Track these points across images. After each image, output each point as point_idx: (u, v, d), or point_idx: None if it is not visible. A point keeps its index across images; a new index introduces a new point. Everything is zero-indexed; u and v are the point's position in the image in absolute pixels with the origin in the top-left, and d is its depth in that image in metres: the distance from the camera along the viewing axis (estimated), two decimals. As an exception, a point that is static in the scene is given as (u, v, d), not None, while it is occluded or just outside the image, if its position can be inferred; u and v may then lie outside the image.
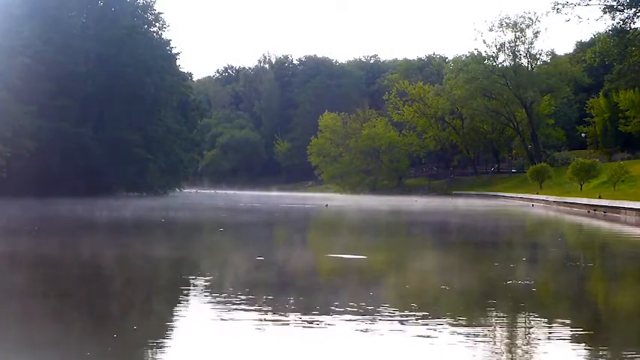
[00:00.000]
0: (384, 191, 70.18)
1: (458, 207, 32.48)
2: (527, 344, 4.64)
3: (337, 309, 5.57)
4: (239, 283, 7.15)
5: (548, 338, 4.75)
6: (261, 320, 5.21)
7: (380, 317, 5.27)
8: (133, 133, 45.77)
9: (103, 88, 45.59)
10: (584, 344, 4.63)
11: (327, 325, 5.02)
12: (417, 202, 40.18)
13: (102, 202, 31.10)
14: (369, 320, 5.17)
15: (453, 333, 4.79)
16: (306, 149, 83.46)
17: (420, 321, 5.14)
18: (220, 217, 22.37)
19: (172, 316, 5.62)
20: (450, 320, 5.24)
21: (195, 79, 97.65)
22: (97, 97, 45.37)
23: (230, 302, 5.89)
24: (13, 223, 17.77)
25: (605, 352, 4.44)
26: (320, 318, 5.25)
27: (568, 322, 5.37)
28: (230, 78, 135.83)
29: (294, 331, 4.88)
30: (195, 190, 72.47)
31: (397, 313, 5.45)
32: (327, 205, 32.19)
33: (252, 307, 5.70)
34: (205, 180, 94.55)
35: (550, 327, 5.09)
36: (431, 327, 4.94)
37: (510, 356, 4.31)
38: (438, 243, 13.42)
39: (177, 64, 56.68)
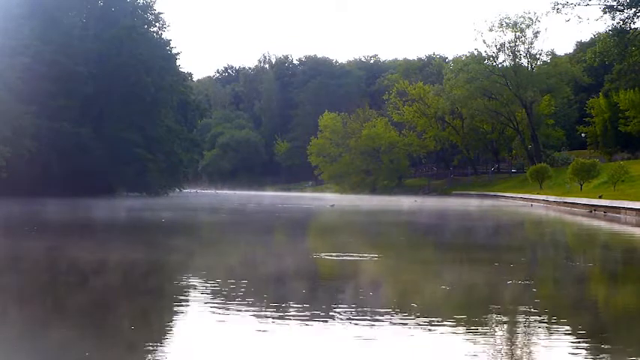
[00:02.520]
0: (384, 191, 70.14)
1: (461, 207, 32.46)
2: (527, 345, 4.64)
3: (336, 308, 5.57)
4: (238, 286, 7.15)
5: (548, 339, 4.75)
6: (260, 317, 5.22)
7: (379, 317, 5.27)
8: (133, 133, 45.80)
9: (103, 88, 45.63)
10: (584, 345, 4.63)
11: (326, 325, 5.02)
12: (416, 202, 40.17)
13: (97, 203, 31.01)
14: (369, 320, 5.17)
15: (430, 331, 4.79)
16: (306, 149, 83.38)
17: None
18: (221, 218, 22.38)
19: (162, 317, 5.62)
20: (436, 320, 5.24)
21: (195, 79, 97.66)
22: (97, 97, 45.41)
23: (226, 305, 5.89)
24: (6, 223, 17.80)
25: (605, 353, 4.44)
26: (318, 318, 5.25)
27: (568, 322, 5.37)
28: (230, 78, 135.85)
29: (292, 331, 4.88)
30: (195, 190, 72.50)
31: (398, 313, 5.46)
32: (333, 205, 32.02)
33: (249, 307, 5.70)
34: (205, 180, 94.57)
35: (550, 327, 5.09)
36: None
37: (510, 357, 4.31)
38: (444, 244, 13.41)
39: (177, 64, 56.73)
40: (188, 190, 65.48)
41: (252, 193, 69.71)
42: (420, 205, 36.10)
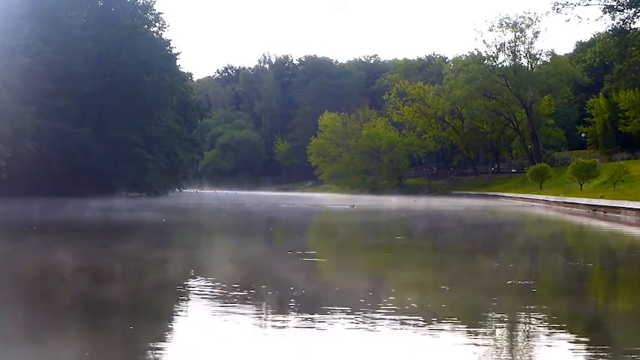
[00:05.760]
0: (383, 191, 70.09)
1: (465, 208, 32.44)
2: (527, 344, 4.64)
3: (336, 308, 5.56)
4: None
5: (549, 338, 4.75)
6: (259, 318, 5.22)
7: (379, 316, 5.27)
8: (133, 133, 45.76)
9: (103, 88, 45.58)
10: (584, 345, 4.63)
11: (326, 325, 5.01)
12: (415, 202, 40.15)
13: (88, 203, 30.81)
14: (369, 320, 5.17)
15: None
16: (306, 149, 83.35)
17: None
18: (221, 218, 22.40)
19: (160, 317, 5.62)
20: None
21: (195, 79, 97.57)
22: (97, 97, 45.36)
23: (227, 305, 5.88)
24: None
25: (605, 353, 4.44)
26: (318, 318, 5.25)
27: (568, 322, 5.36)
28: (230, 78, 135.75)
29: (293, 331, 4.87)
30: (195, 190, 72.53)
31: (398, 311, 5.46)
32: (353, 205, 31.57)
33: (248, 306, 5.70)
34: (205, 180, 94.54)
35: (550, 327, 5.09)
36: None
37: (510, 356, 4.30)
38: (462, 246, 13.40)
39: (177, 64, 56.67)
40: (188, 190, 65.50)
41: (253, 193, 69.74)
42: (421, 204, 36.10)
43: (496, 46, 65.18)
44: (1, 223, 17.96)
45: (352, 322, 5.06)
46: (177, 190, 56.59)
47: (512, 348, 4.52)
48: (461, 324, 5.13)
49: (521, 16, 63.98)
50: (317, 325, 5.02)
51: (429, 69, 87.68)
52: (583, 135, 63.96)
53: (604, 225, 18.49)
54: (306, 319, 5.24)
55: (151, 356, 4.26)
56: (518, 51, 65.49)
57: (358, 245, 12.53)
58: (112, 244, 11.84)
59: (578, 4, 47.43)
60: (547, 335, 4.83)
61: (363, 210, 28.28)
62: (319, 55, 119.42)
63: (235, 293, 6.34)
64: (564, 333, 4.93)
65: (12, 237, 13.13)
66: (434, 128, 76.07)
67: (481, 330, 4.97)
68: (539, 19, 63.56)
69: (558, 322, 5.29)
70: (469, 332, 4.85)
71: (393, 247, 11.97)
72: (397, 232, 16.46)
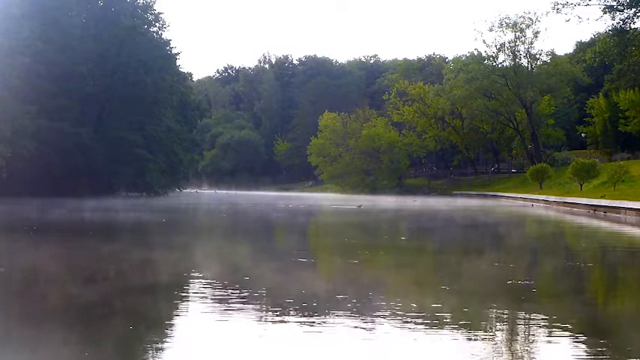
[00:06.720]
0: (383, 191, 70.09)
1: (464, 208, 32.43)
2: (527, 344, 4.63)
3: (336, 309, 5.56)
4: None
5: (548, 338, 4.75)
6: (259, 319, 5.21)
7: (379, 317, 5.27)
8: (133, 133, 45.77)
9: (103, 88, 45.60)
10: (584, 345, 4.63)
11: (326, 325, 5.01)
12: (415, 202, 40.15)
13: (83, 203, 30.78)
14: (368, 320, 5.17)
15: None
16: (306, 149, 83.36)
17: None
18: (221, 217, 22.38)
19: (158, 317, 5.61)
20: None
21: (195, 79, 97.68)
22: (97, 97, 45.38)
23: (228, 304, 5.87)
24: None
25: (605, 353, 4.43)
26: (319, 318, 5.25)
27: (568, 322, 5.36)
28: (230, 78, 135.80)
29: (293, 331, 4.87)
30: (195, 190, 72.55)
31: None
32: (360, 205, 31.47)
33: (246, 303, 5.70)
34: (205, 180, 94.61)
35: (550, 327, 5.08)
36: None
37: (510, 356, 4.30)
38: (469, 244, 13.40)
39: (177, 64, 56.67)
40: (188, 190, 65.52)
41: (253, 193, 69.79)
42: (421, 205, 36.12)
43: (496, 46, 65.22)
44: (0, 223, 17.97)
45: (353, 322, 5.07)
46: (177, 190, 56.61)
47: (512, 348, 4.52)
48: (460, 324, 5.12)
49: (521, 16, 64.03)
50: (318, 324, 5.02)
51: (429, 69, 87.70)
52: (583, 135, 63.95)
53: (604, 225, 18.49)
54: (307, 319, 5.24)
55: (150, 356, 4.26)
56: (518, 51, 65.51)
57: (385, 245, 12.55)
58: (111, 244, 11.85)
59: (578, 4, 47.44)
60: (547, 335, 4.83)
61: (370, 210, 28.28)
62: (319, 55, 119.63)
63: (257, 296, 6.34)
64: (564, 333, 4.92)
65: (12, 237, 13.13)
66: (434, 128, 76.07)
67: (481, 330, 4.97)
68: (539, 19, 63.60)
69: (558, 321, 5.29)
70: (469, 332, 4.85)
71: (402, 247, 11.97)
72: (405, 232, 16.46)
